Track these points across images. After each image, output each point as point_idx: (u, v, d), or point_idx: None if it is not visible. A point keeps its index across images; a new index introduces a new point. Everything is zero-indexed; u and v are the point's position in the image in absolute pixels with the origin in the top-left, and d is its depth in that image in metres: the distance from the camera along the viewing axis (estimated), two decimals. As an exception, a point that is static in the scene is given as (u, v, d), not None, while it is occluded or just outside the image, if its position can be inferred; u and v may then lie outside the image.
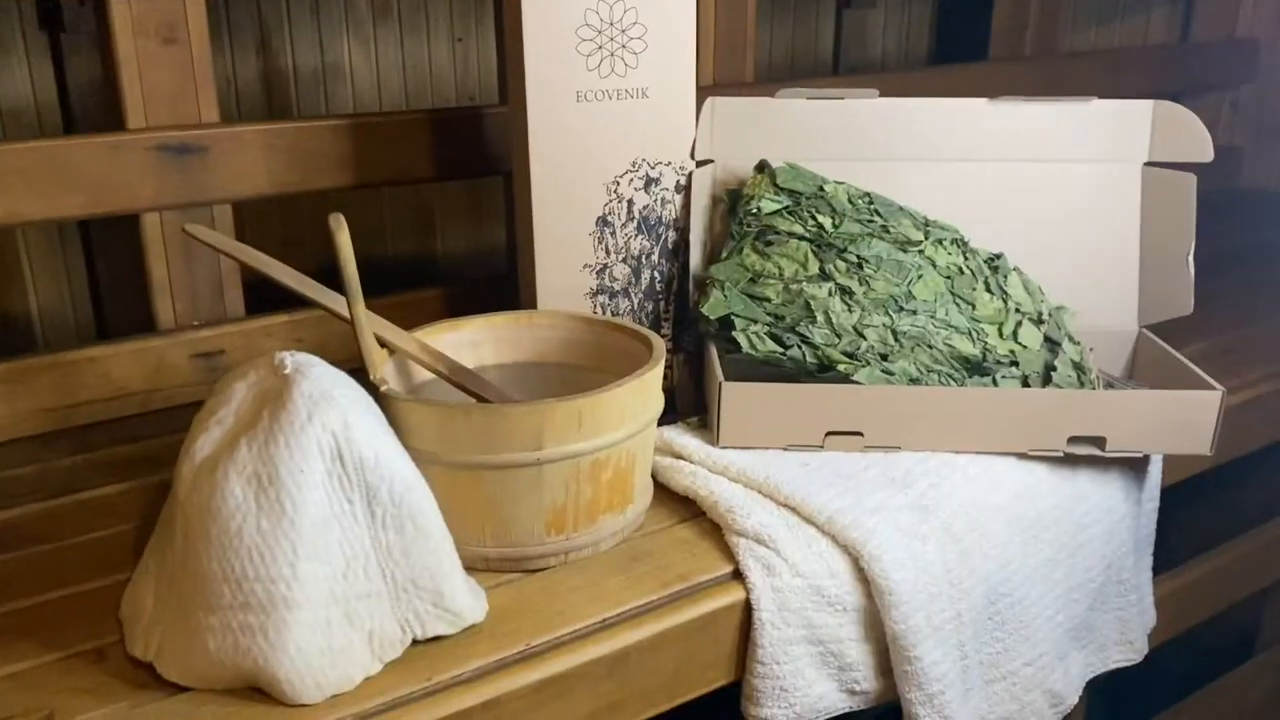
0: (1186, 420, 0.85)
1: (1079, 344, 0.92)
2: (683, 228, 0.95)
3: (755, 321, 0.88)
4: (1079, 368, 0.90)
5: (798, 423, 0.85)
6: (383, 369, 0.76)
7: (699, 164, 0.94)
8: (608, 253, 0.92)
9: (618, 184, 0.91)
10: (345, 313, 0.76)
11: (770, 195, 0.93)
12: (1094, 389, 0.89)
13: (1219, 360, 1.11)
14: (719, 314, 0.89)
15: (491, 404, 0.70)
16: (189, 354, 1.01)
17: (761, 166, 0.95)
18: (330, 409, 0.64)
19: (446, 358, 0.82)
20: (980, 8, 1.61)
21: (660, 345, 0.81)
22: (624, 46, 0.87)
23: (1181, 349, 0.95)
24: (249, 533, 0.62)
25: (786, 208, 0.92)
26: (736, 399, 0.85)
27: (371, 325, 0.79)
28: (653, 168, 0.92)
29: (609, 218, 0.91)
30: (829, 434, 0.86)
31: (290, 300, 0.84)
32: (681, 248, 0.95)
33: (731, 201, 0.96)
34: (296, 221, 1.36)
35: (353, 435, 0.64)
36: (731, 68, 1.30)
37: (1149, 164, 0.99)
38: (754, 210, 0.92)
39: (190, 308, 1.03)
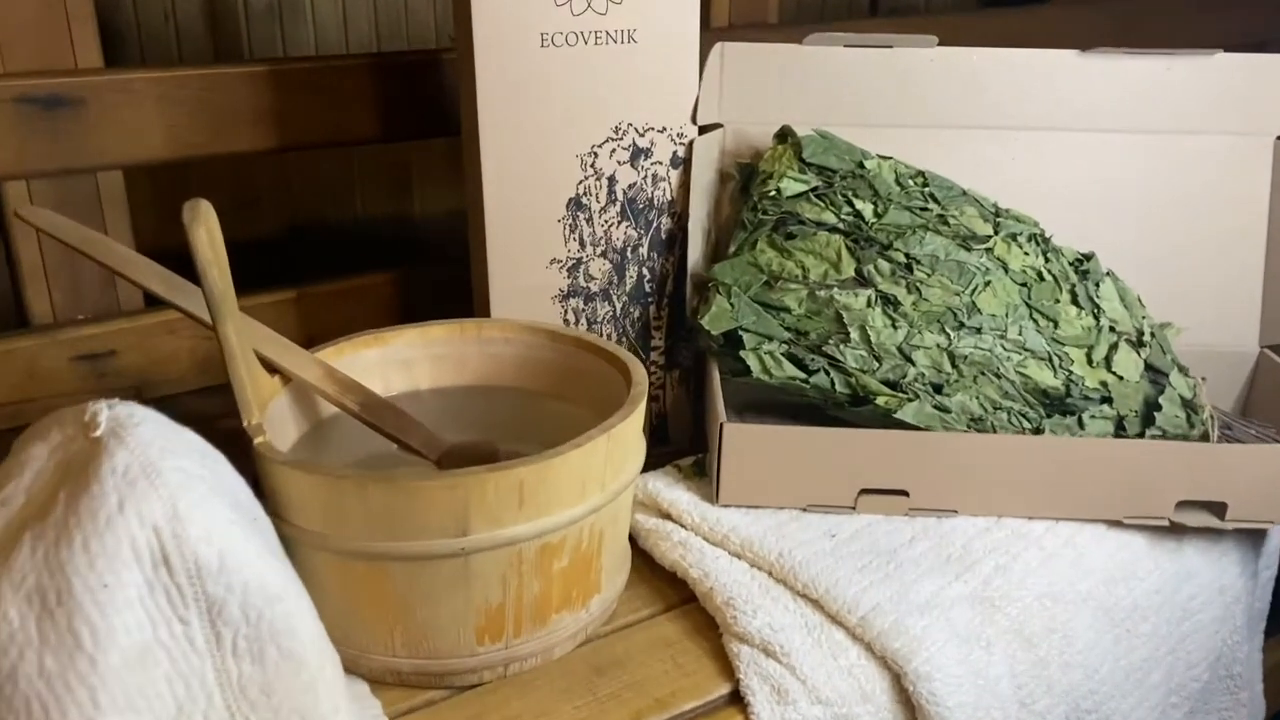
0: (1332, 480, 0.65)
1: (1189, 375, 0.71)
2: (680, 212, 0.74)
3: (770, 339, 0.68)
4: (1189, 406, 0.70)
5: (822, 476, 0.65)
6: (263, 412, 0.56)
7: (702, 130, 0.73)
8: (582, 244, 0.72)
9: (595, 156, 0.70)
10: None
11: (794, 173, 0.72)
12: (1210, 436, 0.69)
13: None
14: (723, 328, 0.68)
15: (398, 476, 0.51)
16: (70, 356, 0.82)
17: (783, 135, 0.74)
18: (152, 492, 0.45)
19: (360, 388, 0.62)
20: (1046, -62, 1.38)
21: (641, 375, 0.61)
22: (605, -26, 0.66)
23: (1313, 376, 0.75)
24: (27, 675, 0.43)
25: (815, 189, 0.71)
26: (742, 444, 0.65)
27: (257, 342, 0.59)
28: (642, 134, 0.71)
29: (584, 199, 0.71)
30: (863, 492, 0.66)
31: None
32: (679, 238, 0.75)
33: (744, 179, 0.76)
34: (252, 177, 1.16)
35: (185, 530, 0.45)
36: (750, 5, 1.08)
37: (1282, 138, 0.77)
38: (772, 192, 0.71)
39: (71, 299, 0.83)
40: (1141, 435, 0.68)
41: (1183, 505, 0.65)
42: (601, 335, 0.74)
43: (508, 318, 0.70)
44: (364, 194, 1.40)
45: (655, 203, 0.73)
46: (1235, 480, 0.64)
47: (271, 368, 0.60)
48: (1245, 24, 1.51)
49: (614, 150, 0.70)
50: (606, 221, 0.72)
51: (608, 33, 0.67)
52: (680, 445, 0.78)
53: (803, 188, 0.71)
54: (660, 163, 0.72)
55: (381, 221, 1.32)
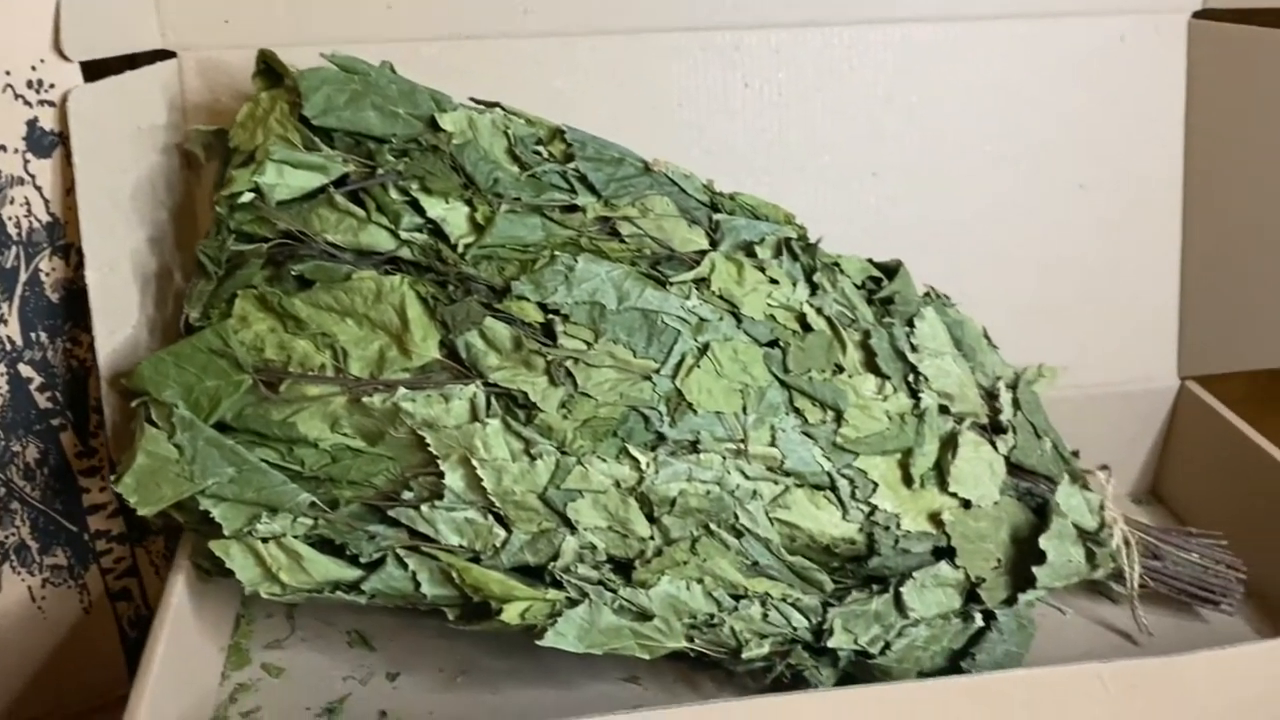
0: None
1: (1087, 488, 0.38)
2: (74, 244, 0.36)
3: (272, 510, 0.32)
4: (1092, 539, 0.37)
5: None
6: None
7: (95, 72, 0.35)
8: None
9: None
10: None
11: (294, 147, 0.34)
12: (1129, 583, 0.37)
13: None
14: (160, 504, 0.32)
15: None
16: None
17: (271, 71, 0.36)
18: None
19: None
20: None
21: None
22: None
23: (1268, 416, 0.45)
24: None
25: (342, 180, 0.34)
26: None
27: None
28: (-72, 91, 0.32)
29: None
30: None
31: None
32: (85, 293, 0.37)
33: (217, 158, 0.38)
34: None
35: None
36: None
37: (1202, 14, 0.44)
38: (247, 195, 0.34)
39: None
40: (1012, 604, 0.36)
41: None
42: (-39, 503, 0.36)
43: None
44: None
45: (16, 232, 0.34)
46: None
47: None
48: None
49: None
50: (-107, 284, 0.33)
51: None
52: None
53: (317, 180, 0.34)
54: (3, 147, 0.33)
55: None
